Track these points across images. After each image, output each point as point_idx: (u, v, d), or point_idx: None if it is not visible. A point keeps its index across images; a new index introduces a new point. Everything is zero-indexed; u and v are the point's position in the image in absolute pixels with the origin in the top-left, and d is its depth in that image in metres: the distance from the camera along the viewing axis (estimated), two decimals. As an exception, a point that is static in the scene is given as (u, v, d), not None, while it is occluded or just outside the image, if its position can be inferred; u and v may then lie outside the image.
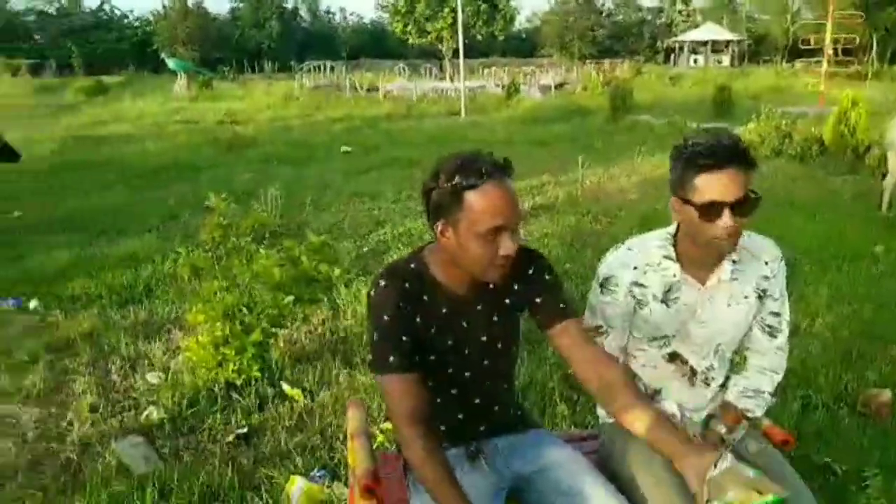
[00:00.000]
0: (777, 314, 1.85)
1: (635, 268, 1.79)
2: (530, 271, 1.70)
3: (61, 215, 6.57)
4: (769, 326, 1.86)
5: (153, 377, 3.32)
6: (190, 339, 3.29)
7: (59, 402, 3.15)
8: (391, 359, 1.54)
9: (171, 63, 24.89)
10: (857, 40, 20.50)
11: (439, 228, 1.52)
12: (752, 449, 1.81)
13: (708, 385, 1.87)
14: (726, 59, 42.03)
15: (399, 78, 25.23)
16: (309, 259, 3.11)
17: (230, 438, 2.83)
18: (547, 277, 1.71)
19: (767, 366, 1.88)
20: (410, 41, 30.87)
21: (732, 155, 1.55)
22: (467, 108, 16.20)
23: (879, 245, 5.32)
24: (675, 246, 1.77)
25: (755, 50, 46.84)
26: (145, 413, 3.01)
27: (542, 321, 1.69)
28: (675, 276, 1.76)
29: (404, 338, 1.55)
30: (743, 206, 1.58)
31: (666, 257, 1.77)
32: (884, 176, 6.84)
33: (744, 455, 1.79)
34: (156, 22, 47.22)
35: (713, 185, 1.57)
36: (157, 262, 4.82)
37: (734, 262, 1.76)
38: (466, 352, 1.65)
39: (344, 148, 10.67)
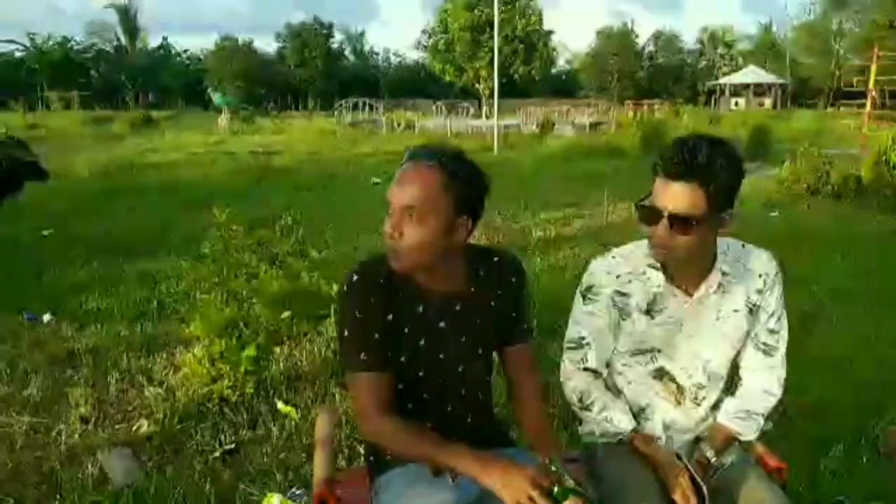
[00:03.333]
0: (774, 331, 1.73)
1: (618, 276, 1.70)
2: (513, 279, 1.66)
3: (89, 235, 6.70)
4: (765, 344, 1.74)
5: (150, 391, 3.29)
6: (187, 353, 3.26)
7: (53, 412, 3.13)
8: (362, 356, 1.49)
9: (216, 98, 25.70)
10: (903, 83, 20.03)
11: None
12: (742, 475, 1.67)
13: (698, 405, 1.75)
14: (768, 102, 41.56)
15: (436, 116, 25.54)
16: (309, 275, 3.06)
17: (216, 454, 2.77)
18: (524, 291, 1.70)
19: (761, 386, 1.74)
20: (449, 79, 31.33)
21: (681, 169, 1.47)
22: (500, 145, 16.25)
23: (914, 284, 5.06)
24: (661, 254, 1.67)
25: (798, 93, 46.32)
26: (136, 426, 2.97)
27: (504, 334, 1.66)
28: (659, 286, 1.67)
29: (376, 335, 1.50)
30: (680, 223, 1.49)
31: (651, 266, 1.68)
32: (924, 215, 6.58)
33: (734, 482, 1.66)
34: (206, 60, 49.07)
35: (659, 192, 1.52)
36: (172, 281, 4.85)
37: (724, 273, 1.66)
38: (441, 356, 1.58)
39: (374, 179, 10.74)
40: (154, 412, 3.06)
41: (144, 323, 4.21)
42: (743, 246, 1.72)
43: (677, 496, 1.57)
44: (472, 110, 28.02)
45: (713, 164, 1.46)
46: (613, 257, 1.74)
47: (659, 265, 1.66)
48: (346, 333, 1.51)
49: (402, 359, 1.55)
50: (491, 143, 16.45)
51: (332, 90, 46.59)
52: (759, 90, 43.22)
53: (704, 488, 1.54)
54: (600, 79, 52.00)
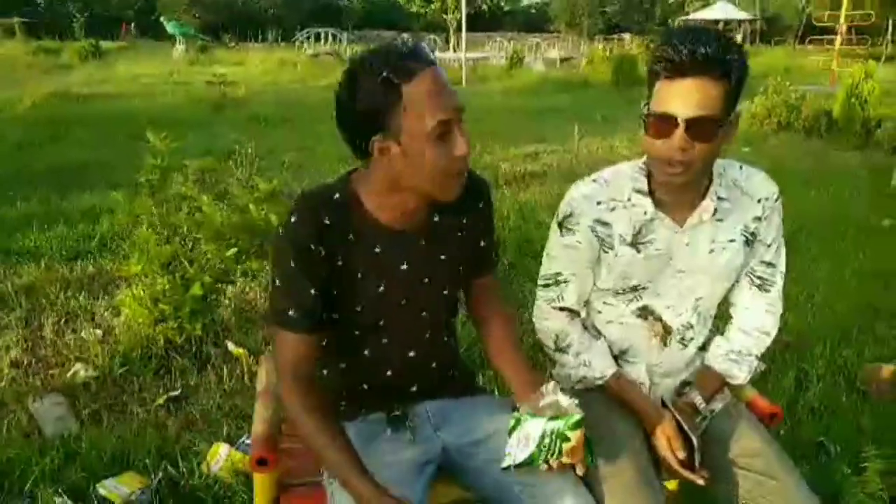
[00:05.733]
0: (770, 264, 1.55)
1: (599, 203, 1.48)
2: (480, 204, 1.44)
3: (30, 170, 6.26)
4: (760, 278, 1.56)
5: (89, 334, 3.04)
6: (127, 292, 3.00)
7: (-20, 357, 2.87)
8: (291, 313, 1.27)
9: (169, 27, 24.29)
10: (873, 18, 19.86)
11: (376, 146, 1.21)
12: (733, 423, 1.52)
13: (685, 346, 1.58)
14: (738, 39, 41.15)
15: (402, 48, 24.65)
16: (257, 208, 2.80)
17: (160, 401, 2.55)
18: (491, 216, 1.49)
19: (755, 325, 1.57)
20: (415, 10, 30.25)
21: (696, 62, 1.24)
22: (468, 78, 15.77)
23: (888, 219, 5.00)
24: (649, 177, 1.46)
25: (768, 30, 46.01)
26: (71, 371, 2.74)
27: (471, 266, 1.46)
28: (646, 213, 1.46)
29: (312, 291, 1.26)
30: (701, 127, 1.27)
31: (637, 191, 1.46)
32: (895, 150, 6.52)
33: (723, 430, 1.51)
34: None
35: (669, 95, 1.27)
36: (116, 216, 4.52)
37: (720, 198, 1.46)
38: (403, 301, 1.36)
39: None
40: (92, 356, 2.82)
41: (84, 261, 3.92)
42: (741, 168, 1.52)
43: (663, 448, 1.41)
44: (438, 42, 27.19)
45: (727, 51, 1.24)
46: (594, 181, 1.52)
47: (647, 190, 1.45)
48: (277, 283, 1.28)
49: (358, 307, 1.34)
50: (459, 76, 15.94)
51: (293, 21, 44.66)
52: (729, 27, 42.75)
53: (694, 439, 1.38)
54: (570, 13, 50.84)
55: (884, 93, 8.71)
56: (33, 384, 2.66)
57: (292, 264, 1.26)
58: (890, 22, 29.68)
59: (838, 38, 17.16)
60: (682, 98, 1.25)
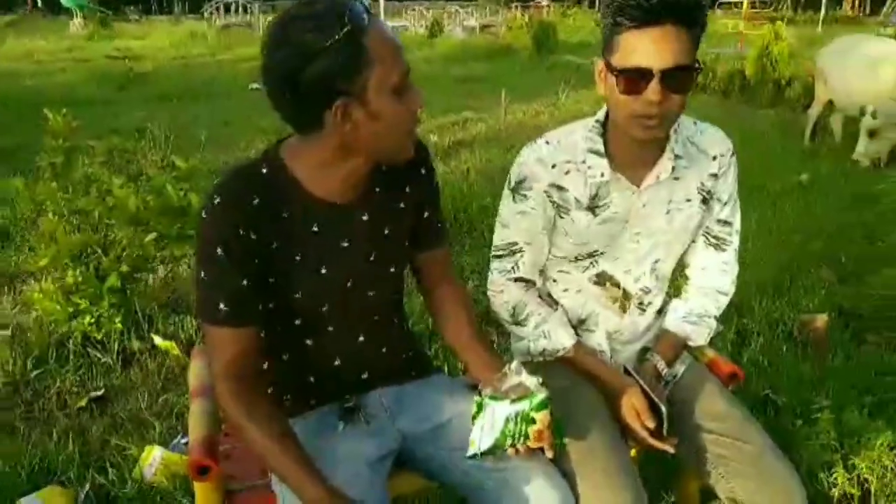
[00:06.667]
0: (726, 223, 1.51)
1: (554, 166, 1.40)
2: (423, 170, 1.33)
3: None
4: (716, 238, 1.52)
5: (-6, 336, 2.77)
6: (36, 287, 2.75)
7: None
8: (221, 307, 1.12)
9: (64, 0, 22.70)
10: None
11: (339, 111, 1.07)
12: (696, 386, 1.49)
13: (643, 311, 1.53)
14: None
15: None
16: (175, 188, 2.59)
17: (82, 403, 2.35)
18: (434, 184, 1.38)
19: (713, 285, 1.55)
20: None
21: (667, 7, 1.17)
22: (388, 47, 15.45)
23: (804, 174, 5.19)
24: (604, 136, 1.39)
25: (676, -5, 47.25)
26: (-23, 378, 2.48)
27: (417, 239, 1.36)
28: (603, 175, 1.38)
29: (244, 280, 1.12)
30: (676, 78, 1.20)
31: (592, 152, 1.39)
32: (806, 107, 6.77)
33: (686, 393, 1.48)
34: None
35: (639, 46, 1.19)
36: (16, 205, 4.15)
37: (677, 156, 1.40)
38: (349, 283, 1.24)
39: (252, 85, 9.83)
40: (1, 361, 2.56)
41: (-16, 256, 3.58)
42: (695, 123, 1.47)
43: (631, 418, 1.36)
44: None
45: None
46: (547, 143, 1.43)
47: (602, 151, 1.38)
48: (203, 274, 1.14)
49: (298, 294, 1.21)
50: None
51: (200, -8, 42.64)
52: (641, -9, 43.68)
53: (662, 407, 1.34)
54: (486, -20, 50.65)
55: (790, 53, 9.03)
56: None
57: (219, 252, 1.11)
58: (790, -15, 30.95)
59: (745, 3, 17.81)
60: (654, 48, 1.18)
